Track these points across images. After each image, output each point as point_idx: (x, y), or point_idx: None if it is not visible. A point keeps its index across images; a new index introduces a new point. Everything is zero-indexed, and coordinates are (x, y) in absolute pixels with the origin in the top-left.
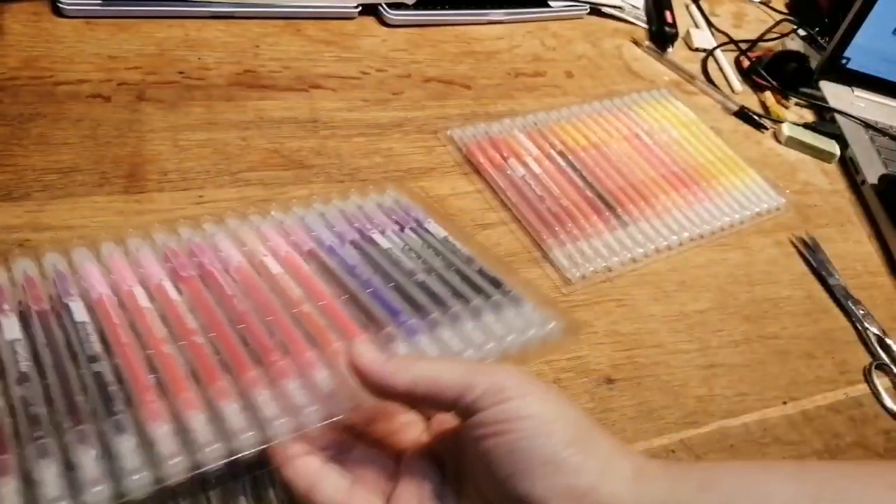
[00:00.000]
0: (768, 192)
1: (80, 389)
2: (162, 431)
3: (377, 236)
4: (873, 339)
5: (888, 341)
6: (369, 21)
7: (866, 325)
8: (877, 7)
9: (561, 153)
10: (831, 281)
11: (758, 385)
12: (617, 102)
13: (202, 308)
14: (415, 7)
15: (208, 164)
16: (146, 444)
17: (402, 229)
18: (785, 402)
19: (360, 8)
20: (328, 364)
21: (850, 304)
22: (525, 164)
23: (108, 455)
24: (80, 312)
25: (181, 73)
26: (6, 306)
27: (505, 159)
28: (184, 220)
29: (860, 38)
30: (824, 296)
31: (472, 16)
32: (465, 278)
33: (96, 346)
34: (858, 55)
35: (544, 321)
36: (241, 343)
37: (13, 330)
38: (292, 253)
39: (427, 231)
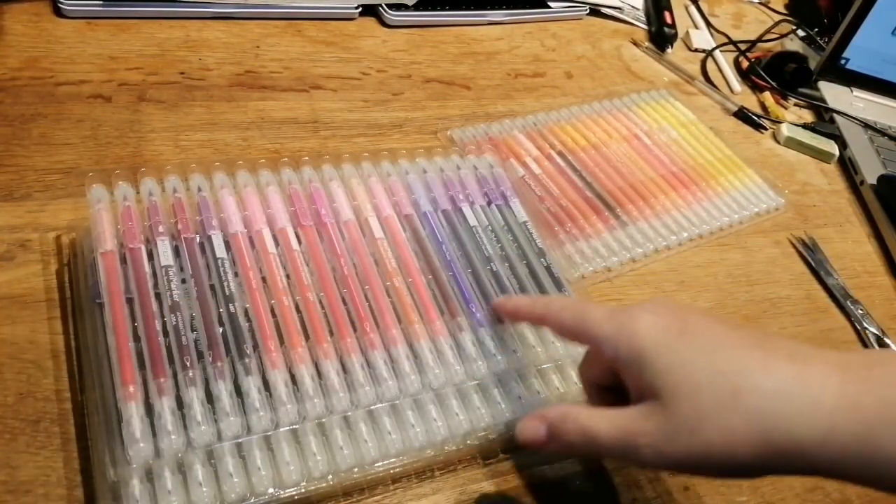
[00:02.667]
0: (767, 193)
1: (218, 323)
2: (280, 379)
3: (466, 209)
4: (872, 339)
5: (887, 341)
6: (369, 22)
7: (865, 324)
8: (876, 7)
9: (560, 153)
10: (830, 281)
11: None
12: (616, 103)
13: (316, 262)
14: (415, 8)
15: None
16: (266, 388)
17: (489, 203)
18: None
19: (360, 9)
20: (409, 343)
21: (849, 304)
22: (525, 165)
23: (238, 392)
24: (220, 247)
25: (182, 73)
26: (161, 228)
27: (504, 160)
28: (307, 158)
29: (859, 38)
30: (823, 296)
31: (471, 16)
32: (533, 273)
33: (232, 286)
34: (857, 56)
35: None
36: (343, 307)
37: (167, 256)
38: (393, 217)
39: (510, 210)
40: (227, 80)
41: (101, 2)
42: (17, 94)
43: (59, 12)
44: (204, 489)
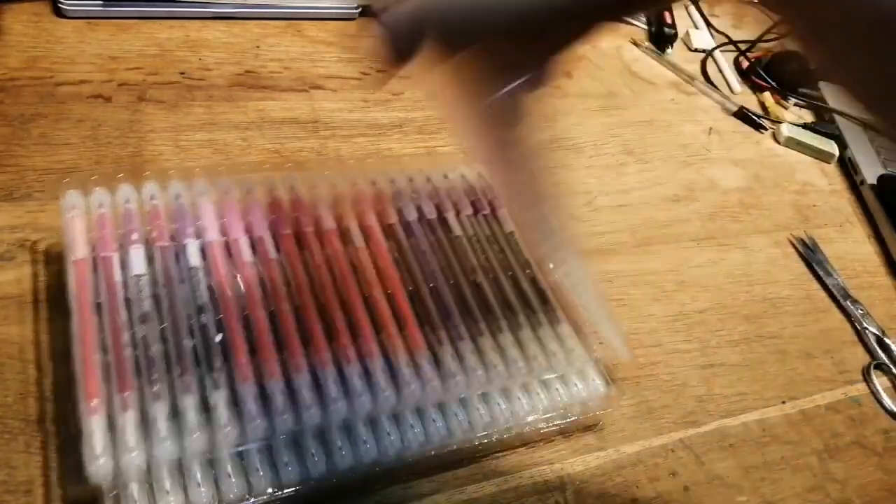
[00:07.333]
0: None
1: (188, 334)
2: (249, 393)
3: (451, 219)
4: (872, 339)
5: (887, 341)
6: (370, 22)
7: (865, 324)
8: None
9: None
10: (830, 281)
11: (757, 384)
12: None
13: (293, 272)
14: None
15: (209, 165)
16: (234, 401)
17: (475, 213)
18: (784, 402)
19: (360, 9)
20: (386, 356)
21: (849, 304)
22: None
23: (205, 405)
24: (194, 256)
25: (182, 73)
26: (135, 236)
27: None
28: (290, 165)
29: None
30: (823, 295)
31: None
32: (517, 286)
33: (205, 296)
34: None
35: (574, 349)
36: (319, 319)
37: (140, 265)
38: (375, 226)
39: (497, 220)
40: (227, 80)
41: (101, 2)
42: (17, 94)
43: (59, 12)
44: (203, 489)
